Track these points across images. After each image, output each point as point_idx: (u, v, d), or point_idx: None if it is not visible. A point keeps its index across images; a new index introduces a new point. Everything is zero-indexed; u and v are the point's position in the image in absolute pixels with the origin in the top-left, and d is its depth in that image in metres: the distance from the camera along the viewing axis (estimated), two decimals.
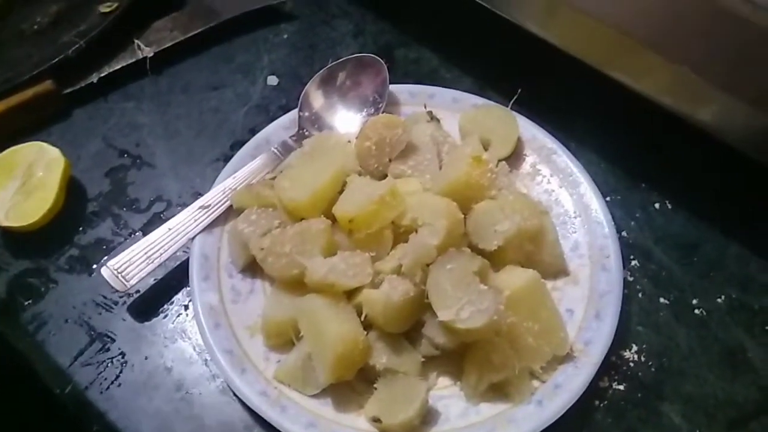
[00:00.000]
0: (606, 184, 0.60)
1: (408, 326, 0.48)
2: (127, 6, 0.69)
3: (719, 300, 0.54)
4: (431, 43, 0.71)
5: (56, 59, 0.65)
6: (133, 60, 0.68)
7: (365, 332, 0.47)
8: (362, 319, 0.47)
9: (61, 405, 0.51)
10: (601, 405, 0.49)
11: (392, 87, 0.63)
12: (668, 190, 0.60)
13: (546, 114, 0.62)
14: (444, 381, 0.49)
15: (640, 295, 0.54)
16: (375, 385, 0.47)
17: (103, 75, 0.67)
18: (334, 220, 0.50)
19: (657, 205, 0.60)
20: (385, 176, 0.55)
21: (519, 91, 0.62)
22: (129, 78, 0.68)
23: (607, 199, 0.58)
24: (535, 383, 0.48)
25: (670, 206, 0.59)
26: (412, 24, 0.73)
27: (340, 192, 0.52)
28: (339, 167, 0.53)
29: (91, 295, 0.55)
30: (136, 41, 0.69)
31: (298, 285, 0.49)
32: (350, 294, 0.48)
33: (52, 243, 0.58)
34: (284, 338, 0.49)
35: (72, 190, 0.60)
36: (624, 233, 0.58)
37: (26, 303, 0.55)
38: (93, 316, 0.54)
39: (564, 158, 0.58)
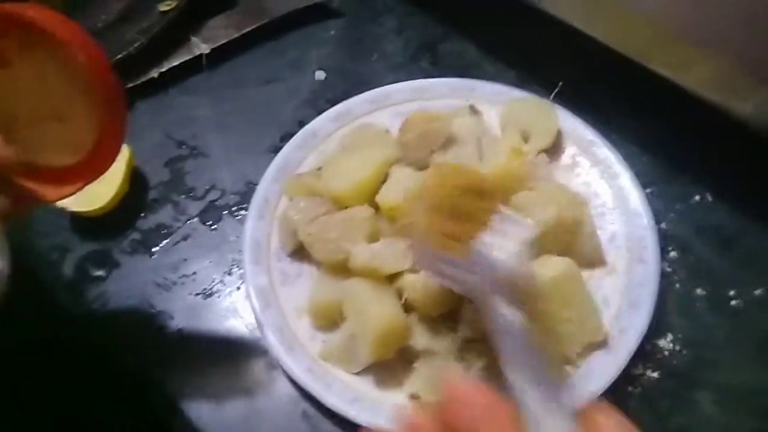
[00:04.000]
0: (646, 176, 0.60)
1: (446, 309, 0.50)
2: (185, 5, 0.73)
3: (756, 292, 0.54)
4: (474, 37, 0.73)
5: (120, 55, 0.68)
6: (191, 56, 0.72)
7: (406, 315, 0.49)
8: (402, 302, 0.49)
9: (121, 377, 0.55)
10: (635, 391, 0.50)
11: (435, 81, 0.65)
12: (709, 183, 0.60)
13: (587, 106, 0.62)
14: (481, 364, 0.51)
15: (677, 285, 0.55)
16: (414, 365, 0.49)
17: (162, 70, 0.71)
18: (377, 208, 0.53)
19: (698, 198, 0.60)
20: (426, 167, 0.57)
21: (560, 84, 0.63)
22: (186, 73, 0.72)
23: (647, 191, 0.59)
24: (570, 369, 0.49)
25: (710, 199, 0.60)
26: (455, 18, 0.74)
27: (383, 182, 0.54)
28: (382, 158, 0.55)
29: (152, 275, 0.59)
30: (193, 38, 0.73)
31: (343, 269, 0.52)
32: (392, 278, 0.51)
33: (116, 227, 0.62)
34: (330, 319, 0.52)
35: (135, 179, 0.64)
36: (663, 225, 0.58)
37: (92, 283, 0.59)
38: (153, 295, 0.58)
39: (604, 150, 0.59)
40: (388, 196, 0.52)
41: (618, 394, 0.49)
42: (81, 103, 0.40)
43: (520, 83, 0.67)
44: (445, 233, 0.38)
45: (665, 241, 0.57)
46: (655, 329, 0.52)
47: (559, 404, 0.27)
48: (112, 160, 0.43)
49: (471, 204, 0.39)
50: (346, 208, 0.53)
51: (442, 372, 0.48)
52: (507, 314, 0.33)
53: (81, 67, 0.38)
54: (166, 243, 0.61)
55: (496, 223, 0.38)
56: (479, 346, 0.50)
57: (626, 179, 0.57)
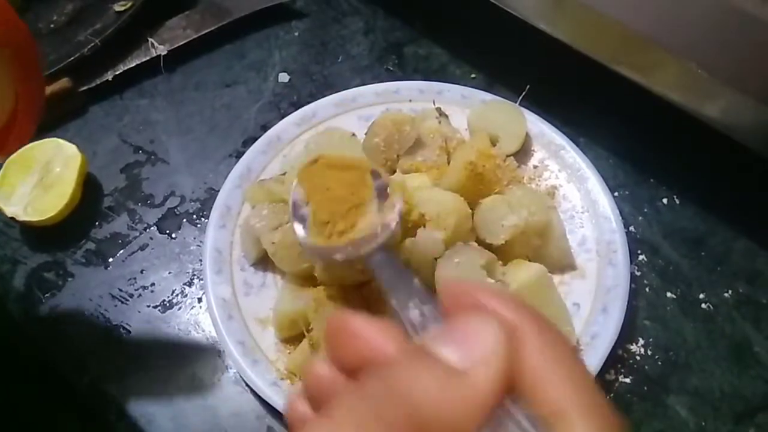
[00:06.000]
0: (614, 180, 0.60)
1: None
2: (141, 5, 0.70)
3: (726, 294, 0.54)
4: (441, 40, 0.72)
5: (72, 57, 0.66)
6: (147, 58, 0.69)
7: None
8: (371, 311, 0.48)
9: (77, 395, 0.52)
10: (608, 398, 0.50)
11: (402, 83, 0.64)
12: (676, 186, 0.60)
13: (555, 110, 0.62)
14: None
15: (647, 289, 0.55)
16: None
17: (118, 73, 0.68)
18: None
19: (665, 200, 0.60)
20: (393, 172, 0.55)
21: (528, 87, 0.62)
22: (143, 76, 0.69)
23: (615, 194, 0.59)
24: None
25: (678, 201, 0.60)
26: (422, 21, 0.73)
27: None
28: None
29: (107, 287, 0.56)
30: (150, 39, 0.70)
31: (308, 278, 0.51)
32: (360, 287, 0.49)
33: (70, 237, 0.59)
34: (295, 330, 0.50)
35: (88, 186, 0.61)
36: (632, 228, 0.58)
37: (44, 295, 0.56)
38: (109, 308, 0.55)
39: (572, 154, 0.59)
40: None
41: None
42: None
43: (487, 86, 0.66)
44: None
45: (634, 244, 0.57)
46: (627, 334, 0.51)
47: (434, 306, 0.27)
48: (29, 134, 0.41)
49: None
50: None
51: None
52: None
53: None
54: (122, 253, 0.58)
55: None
56: None
57: (595, 183, 0.57)
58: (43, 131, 0.64)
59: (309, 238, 0.44)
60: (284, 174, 0.56)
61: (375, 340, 0.24)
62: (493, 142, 0.58)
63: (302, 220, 0.44)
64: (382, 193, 0.44)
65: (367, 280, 0.48)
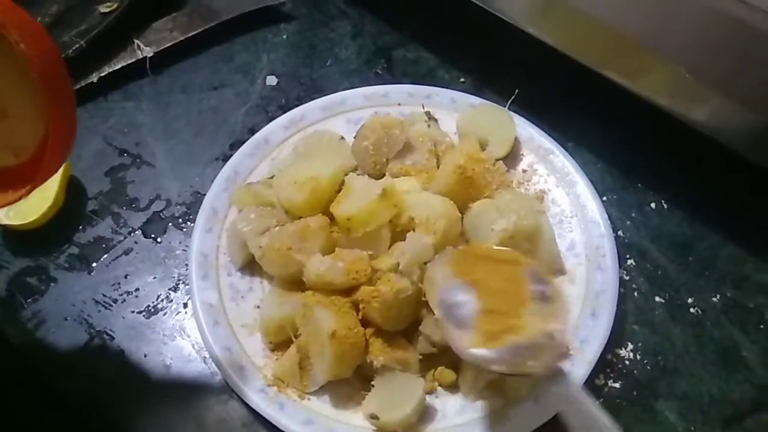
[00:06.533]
0: (602, 184, 0.60)
1: (405, 324, 0.49)
2: (127, 6, 0.70)
3: (714, 299, 0.54)
4: (429, 44, 0.72)
5: None
6: (133, 60, 0.69)
7: (363, 330, 0.47)
8: (360, 316, 0.47)
9: (60, 402, 0.51)
10: (597, 403, 0.49)
11: (390, 87, 0.64)
12: (664, 190, 0.61)
13: (543, 114, 0.62)
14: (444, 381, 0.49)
15: (635, 294, 0.55)
16: (372, 383, 0.47)
17: (103, 75, 0.67)
18: (332, 218, 0.51)
19: (653, 205, 0.60)
20: (383, 175, 0.55)
21: (516, 91, 0.62)
22: (129, 78, 0.69)
23: (604, 198, 0.59)
24: (532, 381, 0.48)
25: (666, 206, 0.60)
26: (410, 25, 0.73)
27: (338, 191, 0.52)
28: (336, 166, 0.53)
29: (91, 293, 0.55)
30: (135, 41, 0.70)
31: (296, 283, 0.50)
32: (348, 292, 0.49)
33: (52, 241, 0.58)
34: (283, 336, 0.49)
35: (72, 189, 0.60)
36: (620, 233, 0.58)
37: (26, 301, 0.55)
38: (92, 313, 0.54)
39: (561, 158, 0.59)
40: (343, 206, 0.50)
41: None
42: (27, 101, 0.37)
43: (476, 90, 0.66)
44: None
45: (623, 248, 0.57)
46: (616, 338, 0.51)
47: None
48: (60, 163, 0.39)
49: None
50: (299, 218, 0.51)
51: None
52: None
53: (28, 59, 0.35)
54: (106, 257, 0.57)
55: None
56: (439, 359, 0.49)
57: (583, 187, 0.57)
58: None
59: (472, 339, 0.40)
60: (272, 177, 0.56)
61: None
62: (483, 146, 0.57)
63: (459, 322, 0.41)
64: (545, 297, 0.42)
65: (355, 285, 0.48)
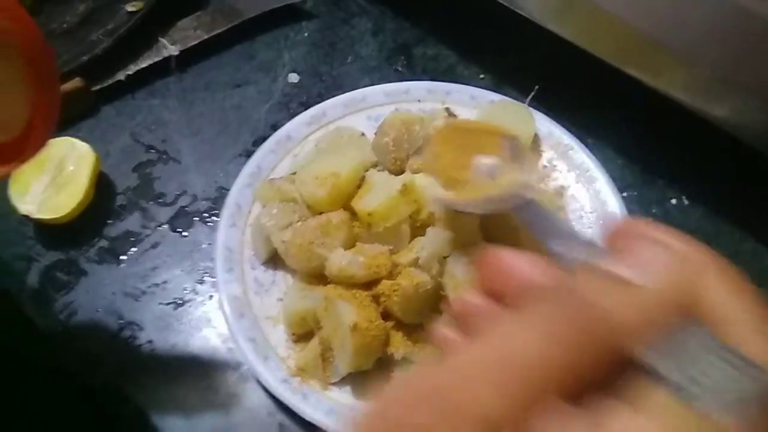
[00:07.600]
0: (623, 180, 0.61)
1: (425, 317, 0.49)
2: (153, 5, 0.71)
3: None
4: (449, 41, 0.72)
5: (85, 57, 0.66)
6: (159, 58, 0.70)
7: (383, 323, 0.48)
8: (380, 310, 0.48)
9: (90, 392, 0.53)
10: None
11: (411, 83, 0.64)
12: (685, 186, 0.61)
13: (563, 110, 0.63)
14: None
15: None
16: (392, 374, 0.48)
17: (129, 73, 0.69)
18: (353, 213, 0.52)
19: (674, 201, 0.60)
20: (403, 171, 0.56)
21: (536, 87, 0.62)
22: (155, 76, 0.70)
23: (624, 194, 0.59)
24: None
25: (686, 202, 0.60)
26: (430, 21, 0.74)
27: (359, 186, 0.53)
28: (357, 162, 0.54)
29: (120, 285, 0.57)
30: (161, 40, 0.71)
31: (318, 277, 0.51)
32: (369, 285, 0.50)
33: (83, 235, 0.60)
34: (305, 328, 0.51)
35: (101, 185, 0.62)
36: None
37: (58, 293, 0.57)
38: (122, 305, 0.56)
39: (581, 154, 0.59)
40: (364, 201, 0.51)
41: None
42: (12, 78, 0.39)
43: (495, 87, 0.66)
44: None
45: None
46: None
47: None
48: (44, 141, 0.41)
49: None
50: (321, 213, 0.52)
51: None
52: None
53: (12, 38, 0.37)
54: (135, 251, 0.59)
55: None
56: None
57: (603, 183, 0.57)
58: (56, 130, 0.64)
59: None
60: (294, 173, 0.57)
61: (532, 269, 0.25)
62: None
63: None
64: (516, 155, 0.46)
65: (376, 279, 0.49)
